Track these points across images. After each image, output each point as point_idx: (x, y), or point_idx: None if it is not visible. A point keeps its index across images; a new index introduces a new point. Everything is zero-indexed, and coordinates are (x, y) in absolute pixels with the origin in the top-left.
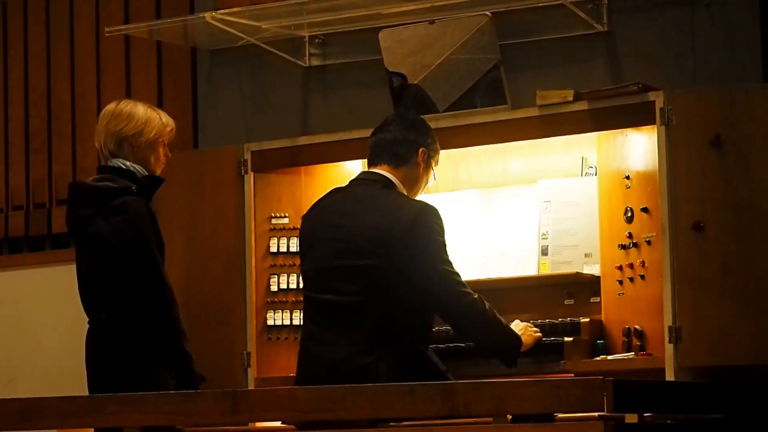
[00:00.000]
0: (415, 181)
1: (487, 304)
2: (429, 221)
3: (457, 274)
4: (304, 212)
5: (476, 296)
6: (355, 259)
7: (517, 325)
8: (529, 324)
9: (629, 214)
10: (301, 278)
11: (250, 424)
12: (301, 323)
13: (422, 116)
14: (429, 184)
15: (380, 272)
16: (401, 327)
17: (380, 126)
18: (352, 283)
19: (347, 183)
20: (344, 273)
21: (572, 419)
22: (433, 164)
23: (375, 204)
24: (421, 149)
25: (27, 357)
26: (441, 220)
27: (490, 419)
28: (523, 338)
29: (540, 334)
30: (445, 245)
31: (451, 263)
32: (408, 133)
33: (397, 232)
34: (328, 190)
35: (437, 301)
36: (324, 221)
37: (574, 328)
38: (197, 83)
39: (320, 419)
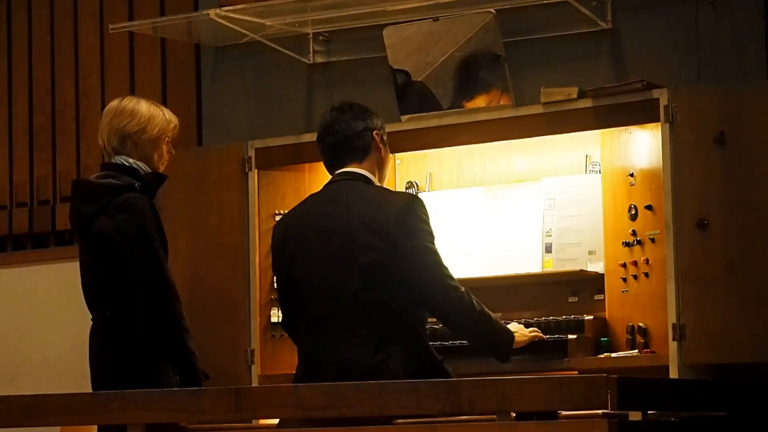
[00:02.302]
0: (382, 165)
1: (474, 299)
2: (417, 212)
3: (446, 268)
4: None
5: (464, 290)
6: (352, 258)
7: (511, 326)
8: (523, 327)
9: (633, 212)
10: (281, 285)
11: (254, 422)
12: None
13: (426, 113)
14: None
15: (379, 268)
16: (404, 321)
17: (324, 130)
18: (352, 283)
19: (322, 187)
20: (343, 274)
21: (576, 417)
22: (386, 138)
23: (361, 201)
24: (374, 133)
25: (30, 354)
26: (427, 210)
27: (495, 416)
28: (516, 335)
29: (536, 333)
30: (433, 236)
31: (439, 255)
32: (355, 124)
33: (389, 225)
34: None
35: (426, 293)
36: (309, 226)
37: (578, 326)
38: (201, 80)
39: (324, 417)
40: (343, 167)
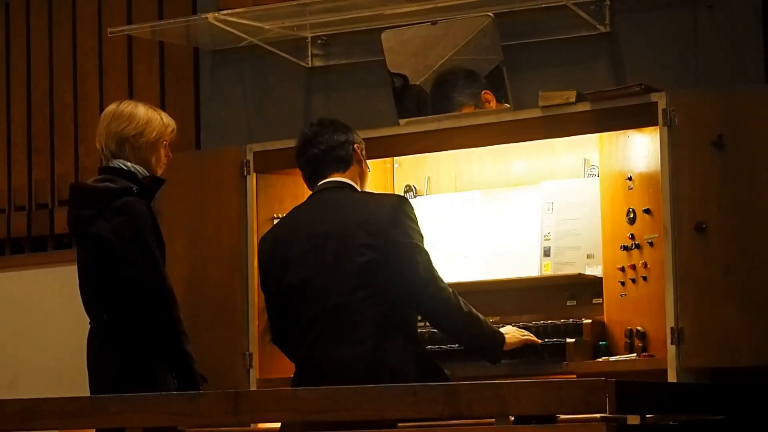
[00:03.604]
0: (362, 178)
1: (462, 300)
2: (407, 211)
3: (435, 269)
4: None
5: (451, 291)
6: (348, 259)
7: (505, 329)
8: (518, 329)
9: (631, 216)
10: (272, 298)
11: (252, 425)
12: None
13: (424, 117)
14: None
15: (374, 266)
16: (399, 318)
17: (305, 143)
18: (348, 283)
19: (307, 199)
20: (338, 275)
21: (574, 420)
22: (365, 154)
23: (351, 204)
24: (355, 146)
25: (29, 357)
26: (414, 211)
27: (493, 420)
28: (507, 337)
29: (530, 337)
30: (423, 236)
31: (429, 255)
32: (338, 136)
33: (381, 223)
34: None
35: (413, 292)
36: (300, 233)
37: (576, 330)
38: (200, 84)
39: (323, 420)
40: (325, 178)
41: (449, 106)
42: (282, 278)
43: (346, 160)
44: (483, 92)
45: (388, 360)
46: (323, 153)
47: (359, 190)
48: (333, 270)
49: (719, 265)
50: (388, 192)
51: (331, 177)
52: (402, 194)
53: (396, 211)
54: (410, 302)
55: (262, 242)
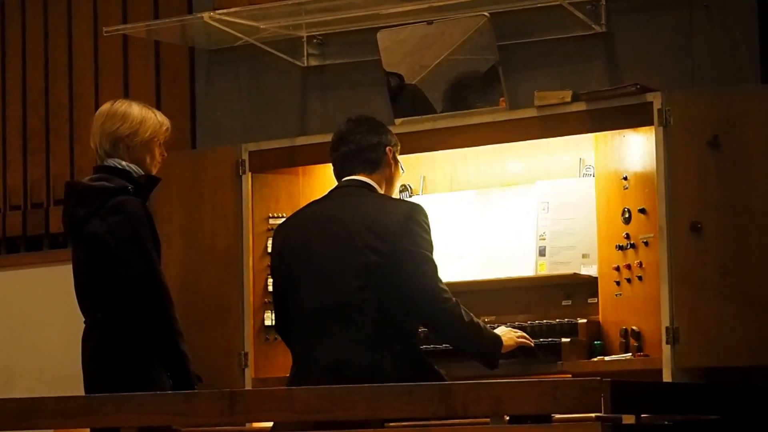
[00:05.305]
0: (390, 181)
1: (463, 310)
2: (420, 219)
3: (440, 279)
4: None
5: (455, 301)
6: (352, 259)
7: (499, 330)
8: (512, 329)
9: (627, 215)
10: (278, 288)
11: (248, 425)
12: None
13: (419, 117)
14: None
15: (378, 269)
16: (399, 323)
17: (339, 139)
18: (350, 283)
19: (326, 194)
20: (341, 275)
21: (569, 420)
22: (398, 156)
23: (364, 206)
24: (387, 149)
25: (24, 357)
26: (428, 220)
27: (488, 420)
28: (503, 340)
29: (525, 338)
30: (432, 246)
31: (436, 265)
32: (370, 137)
33: (391, 228)
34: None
35: (416, 301)
36: (310, 229)
37: (572, 329)
38: (195, 83)
39: (318, 420)
40: (350, 176)
41: (492, 99)
42: (288, 270)
43: (373, 162)
44: None
45: (384, 365)
46: (352, 152)
47: (379, 192)
48: (337, 270)
49: (714, 265)
50: (403, 199)
51: (355, 176)
52: (414, 201)
53: (407, 219)
54: (413, 310)
55: (277, 232)
